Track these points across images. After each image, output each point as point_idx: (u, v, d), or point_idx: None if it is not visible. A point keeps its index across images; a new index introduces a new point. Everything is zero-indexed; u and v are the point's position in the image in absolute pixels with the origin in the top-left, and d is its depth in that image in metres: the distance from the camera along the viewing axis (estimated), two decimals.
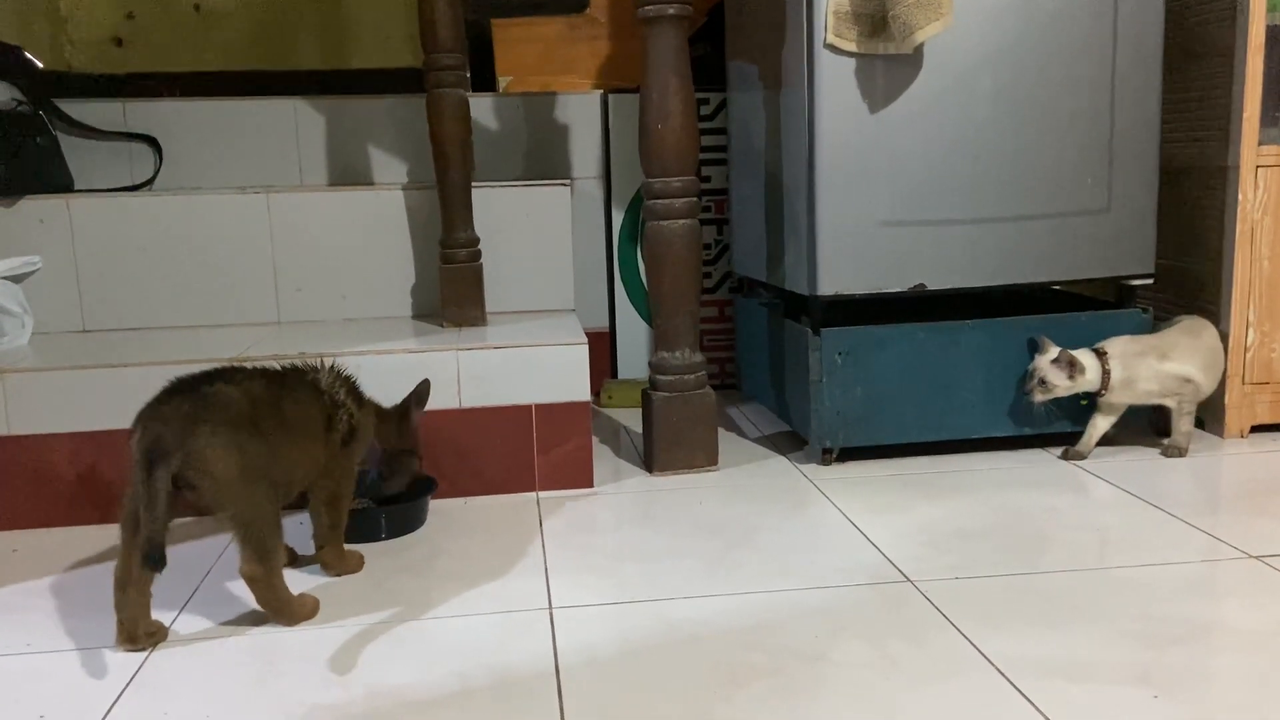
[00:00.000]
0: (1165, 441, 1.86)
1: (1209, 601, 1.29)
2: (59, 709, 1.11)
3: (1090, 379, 1.79)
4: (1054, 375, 1.77)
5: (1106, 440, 1.87)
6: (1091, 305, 2.01)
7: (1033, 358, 1.82)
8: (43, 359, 1.75)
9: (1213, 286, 1.94)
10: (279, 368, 1.38)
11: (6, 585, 1.45)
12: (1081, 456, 1.84)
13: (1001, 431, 1.88)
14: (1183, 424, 1.84)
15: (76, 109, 2.27)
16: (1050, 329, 1.85)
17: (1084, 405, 1.85)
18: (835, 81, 1.75)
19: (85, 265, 1.99)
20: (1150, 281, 1.91)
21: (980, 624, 1.24)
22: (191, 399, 1.21)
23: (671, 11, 1.73)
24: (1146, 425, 1.94)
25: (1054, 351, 1.78)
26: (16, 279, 1.92)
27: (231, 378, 1.27)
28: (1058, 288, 2.07)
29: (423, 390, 1.58)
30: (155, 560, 1.15)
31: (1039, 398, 1.79)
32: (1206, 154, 1.94)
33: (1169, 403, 1.83)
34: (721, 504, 1.69)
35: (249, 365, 1.35)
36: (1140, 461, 1.83)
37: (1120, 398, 1.82)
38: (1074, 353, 1.78)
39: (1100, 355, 1.80)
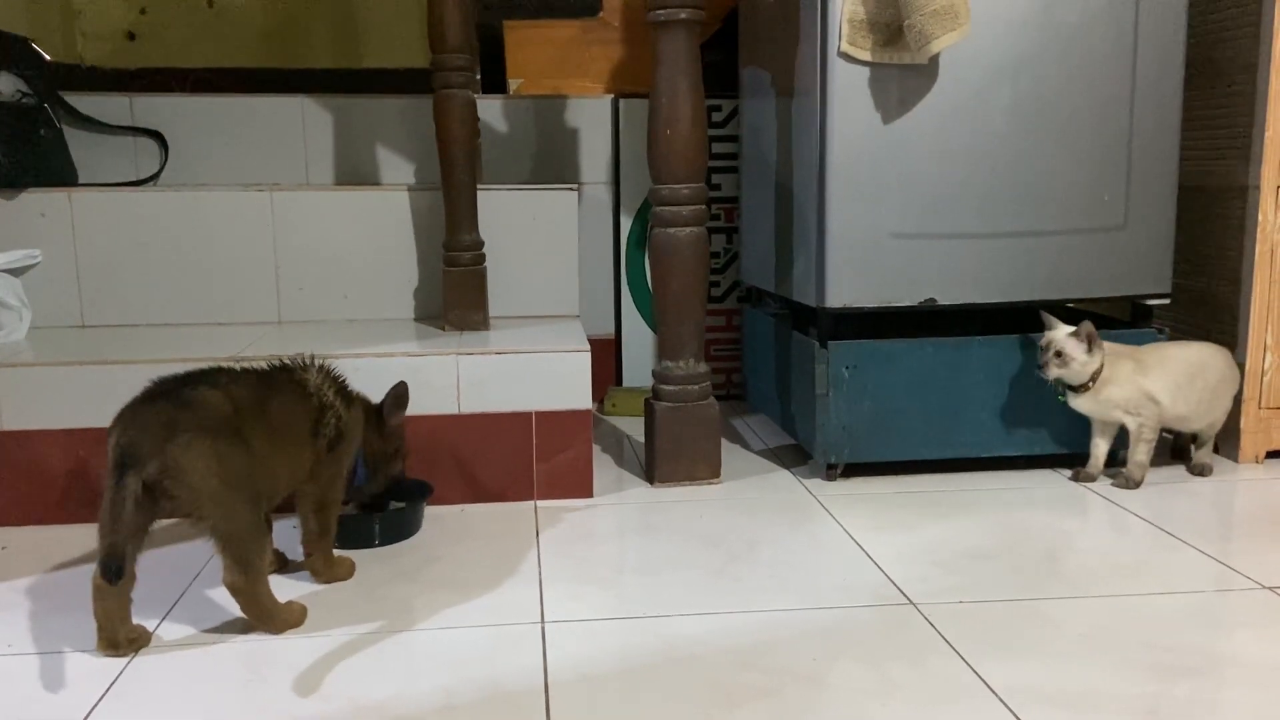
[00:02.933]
0: (1122, 471, 1.79)
1: (1221, 633, 1.25)
2: (34, 714, 1.09)
3: (1095, 365, 1.72)
4: (1072, 347, 1.71)
5: (1120, 463, 1.83)
6: (1106, 324, 1.97)
7: (1042, 334, 1.76)
8: (38, 354, 1.73)
9: (1230, 308, 1.91)
10: (266, 367, 1.34)
11: None
12: (1092, 478, 1.80)
13: (1011, 450, 1.84)
14: (1139, 452, 1.76)
15: (85, 102, 2.26)
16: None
17: (1060, 400, 1.79)
18: (848, 90, 1.72)
19: (85, 260, 1.97)
20: (1166, 301, 1.87)
21: (983, 650, 1.20)
22: (172, 403, 1.17)
23: (683, 16, 1.70)
24: (1166, 449, 1.90)
25: (1068, 327, 1.72)
26: (16, 272, 1.90)
27: (215, 380, 1.23)
28: (1071, 305, 2.03)
29: (399, 392, 1.50)
30: (113, 572, 1.12)
31: (1054, 372, 1.72)
32: (1227, 172, 1.90)
33: (1130, 422, 1.76)
34: (723, 517, 1.66)
35: (236, 365, 1.32)
36: (1153, 486, 1.79)
37: (1093, 401, 1.76)
38: (1094, 330, 1.72)
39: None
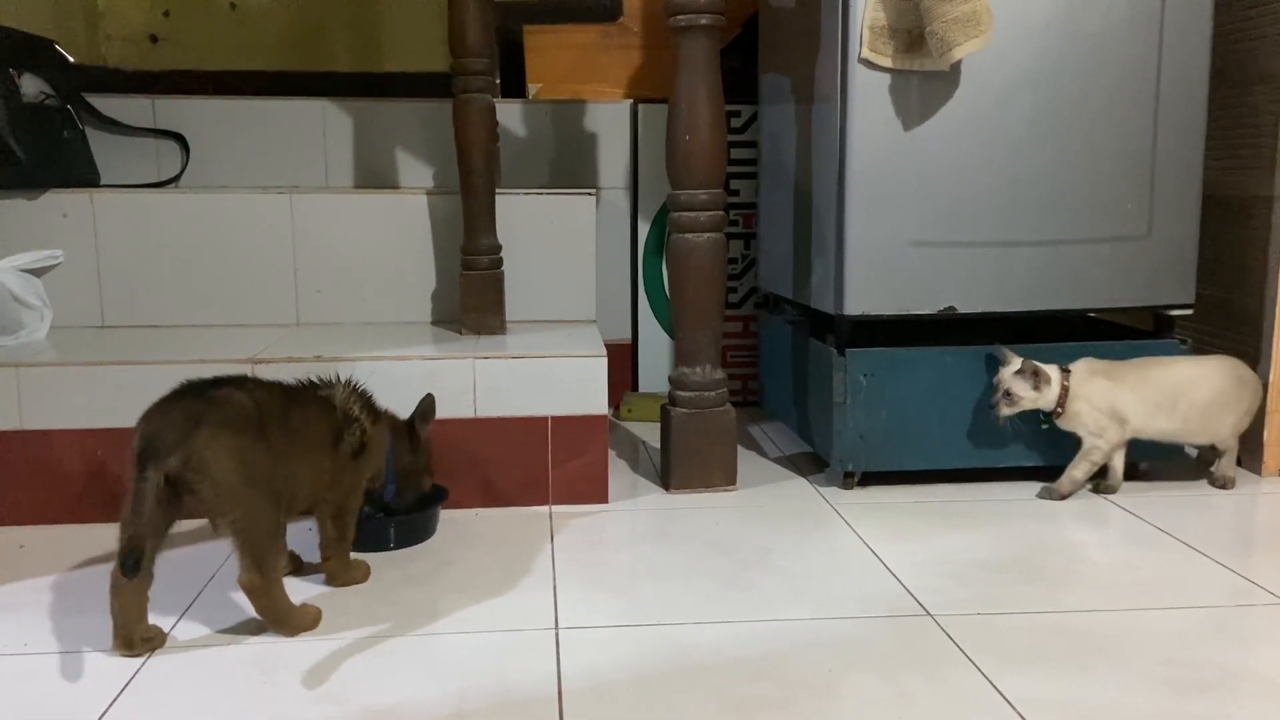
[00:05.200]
0: (1052, 485, 1.76)
1: (1240, 648, 1.23)
2: (48, 713, 1.09)
3: (1054, 393, 1.72)
4: (1019, 387, 1.71)
5: (1141, 475, 1.81)
6: (1127, 334, 1.95)
7: (994, 373, 1.75)
8: (58, 354, 1.75)
9: (1253, 319, 1.88)
10: (294, 382, 1.37)
11: (10, 582, 1.43)
12: (1112, 490, 1.78)
13: (1031, 461, 1.83)
14: (1078, 468, 1.74)
15: (108, 104, 2.27)
16: (1080, 357, 1.79)
17: (1044, 429, 1.78)
18: (868, 97, 1.71)
19: (107, 261, 1.98)
20: (1189, 312, 1.86)
21: (999, 662, 1.19)
22: (197, 400, 1.19)
23: (703, 22, 1.70)
24: (1192, 461, 1.89)
25: (1017, 363, 1.72)
26: (37, 272, 1.92)
27: (242, 384, 1.26)
28: (1094, 315, 2.01)
29: (426, 406, 1.54)
30: (131, 565, 1.12)
31: (1004, 411, 1.72)
32: (1250, 182, 1.88)
33: (1086, 440, 1.74)
34: (738, 525, 1.65)
35: (263, 376, 1.33)
36: (1174, 497, 1.77)
37: (1068, 422, 1.74)
38: (1038, 364, 1.72)
39: (1064, 372, 1.74)
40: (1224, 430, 1.78)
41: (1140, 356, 1.80)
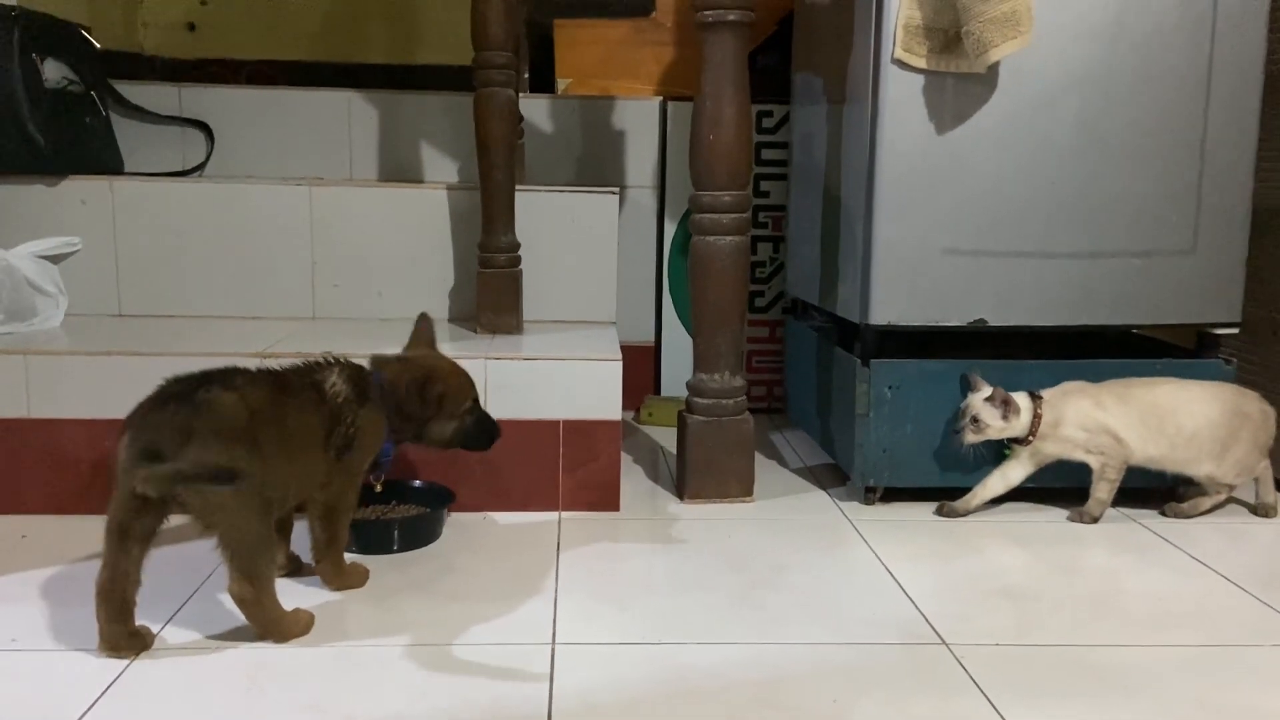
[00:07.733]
0: (1081, 508, 1.69)
1: (1277, 691, 1.16)
2: (27, 713, 1.06)
3: (1023, 421, 1.65)
4: (988, 414, 1.64)
5: (1178, 497, 1.73)
6: (1168, 352, 1.87)
7: (964, 396, 1.68)
8: (69, 342, 1.73)
9: None
10: (281, 368, 1.31)
11: (7, 574, 1.41)
12: (957, 514, 1.70)
13: (1061, 482, 1.75)
14: (1100, 490, 1.67)
15: (135, 92, 2.26)
16: (1119, 375, 1.72)
17: (1007, 454, 1.71)
18: (901, 99, 1.64)
19: (125, 249, 1.96)
20: (1235, 331, 1.77)
21: (1017, 699, 1.13)
22: (187, 407, 1.14)
23: (731, 17, 1.65)
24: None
25: (987, 389, 1.65)
26: (54, 259, 1.90)
27: (230, 382, 1.20)
28: (1136, 331, 1.93)
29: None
30: None
31: (970, 438, 1.65)
32: None
33: (1092, 461, 1.67)
34: (752, 539, 1.59)
35: (252, 367, 1.28)
36: (1212, 524, 1.69)
37: (1049, 446, 1.67)
38: (1009, 394, 1.65)
39: (1035, 399, 1.66)
40: (1225, 466, 1.67)
41: (1187, 373, 1.72)
